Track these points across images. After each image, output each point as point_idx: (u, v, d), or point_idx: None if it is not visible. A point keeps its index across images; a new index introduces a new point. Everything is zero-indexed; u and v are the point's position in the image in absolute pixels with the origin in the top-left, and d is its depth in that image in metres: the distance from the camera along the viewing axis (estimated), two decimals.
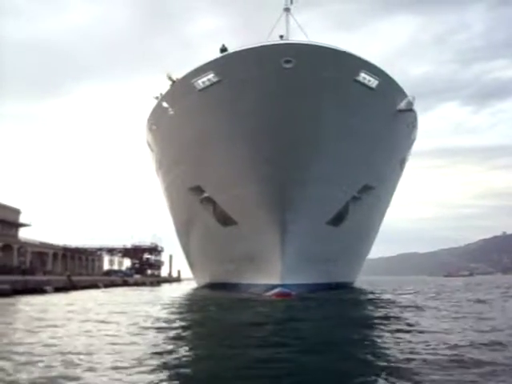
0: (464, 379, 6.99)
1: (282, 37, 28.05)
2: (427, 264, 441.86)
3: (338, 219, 31.52)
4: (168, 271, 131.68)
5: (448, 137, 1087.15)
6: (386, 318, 15.83)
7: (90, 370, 7.74)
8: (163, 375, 7.40)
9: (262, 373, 7.73)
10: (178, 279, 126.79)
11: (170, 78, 29.44)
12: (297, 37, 31.53)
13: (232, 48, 25.90)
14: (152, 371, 7.61)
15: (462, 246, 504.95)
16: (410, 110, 29.06)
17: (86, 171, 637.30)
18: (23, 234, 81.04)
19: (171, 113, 29.29)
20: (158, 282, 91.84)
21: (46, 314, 18.55)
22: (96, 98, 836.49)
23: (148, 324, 14.59)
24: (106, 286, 57.11)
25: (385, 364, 8.18)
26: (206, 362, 8.83)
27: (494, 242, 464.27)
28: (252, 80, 24.27)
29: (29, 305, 24.27)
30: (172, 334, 12.36)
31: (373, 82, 25.39)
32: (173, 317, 17.82)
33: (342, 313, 19.06)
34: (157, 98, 32.31)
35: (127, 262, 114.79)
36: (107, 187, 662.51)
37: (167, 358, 8.74)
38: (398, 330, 12.27)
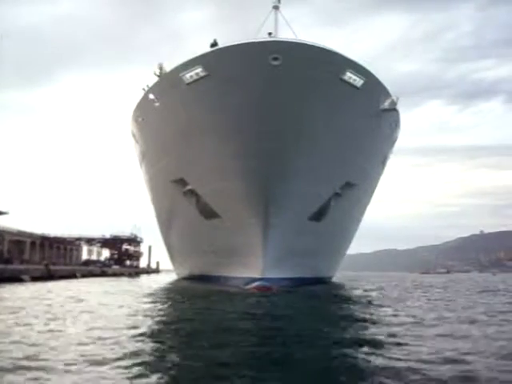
0: None
1: (270, 34, 28.25)
2: (406, 261, 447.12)
3: (319, 215, 31.93)
4: (147, 262, 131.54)
5: (432, 135, 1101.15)
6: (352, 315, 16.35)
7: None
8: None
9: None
10: (156, 270, 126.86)
11: (160, 69, 29.36)
12: (285, 34, 31.82)
13: (223, 43, 26.11)
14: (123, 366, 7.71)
15: (441, 243, 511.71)
16: (393, 109, 29.55)
17: (66, 160, 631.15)
18: (0, 222, 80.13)
19: (158, 105, 29.38)
20: (136, 273, 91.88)
21: None
22: (82, 88, 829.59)
23: (123, 315, 14.89)
24: (84, 276, 57.10)
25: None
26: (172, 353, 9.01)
27: (471, 241, 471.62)
28: (240, 76, 24.48)
29: None
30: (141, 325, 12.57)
31: (358, 81, 25.79)
32: (151, 309, 18.11)
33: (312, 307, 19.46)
34: (144, 89, 32.29)
35: (106, 253, 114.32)
36: (88, 176, 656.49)
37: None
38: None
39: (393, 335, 10.58)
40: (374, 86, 27.59)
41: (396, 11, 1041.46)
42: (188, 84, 26.02)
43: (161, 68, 29.25)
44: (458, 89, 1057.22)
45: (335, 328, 12.33)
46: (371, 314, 15.46)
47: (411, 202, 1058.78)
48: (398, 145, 39.99)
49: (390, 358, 8.17)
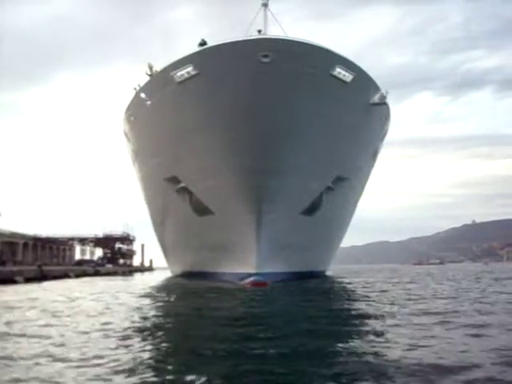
0: None
1: (260, 31, 28.49)
2: (398, 253, 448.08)
3: (312, 209, 32.24)
4: (140, 260, 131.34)
5: (424, 126, 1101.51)
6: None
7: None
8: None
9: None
10: (150, 268, 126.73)
11: (150, 69, 29.51)
12: (275, 30, 32.08)
13: (212, 41, 26.39)
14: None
15: (433, 234, 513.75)
16: (383, 103, 29.82)
17: (58, 160, 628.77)
18: None
19: (150, 104, 29.53)
20: (130, 271, 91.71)
21: None
22: (71, 87, 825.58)
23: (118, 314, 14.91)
24: (78, 275, 56.85)
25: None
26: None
27: (463, 231, 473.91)
28: (230, 73, 24.66)
29: None
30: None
31: (347, 76, 26.01)
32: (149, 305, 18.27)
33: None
34: (135, 88, 32.41)
35: (99, 252, 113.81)
36: (79, 176, 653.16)
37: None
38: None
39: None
40: (363, 81, 27.85)
41: (385, 3, 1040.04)
42: (179, 83, 26.17)
43: (151, 68, 29.37)
44: (448, 80, 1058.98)
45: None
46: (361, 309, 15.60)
47: (403, 193, 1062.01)
48: (389, 137, 40.39)
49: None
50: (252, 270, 29.16)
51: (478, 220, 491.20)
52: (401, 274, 59.40)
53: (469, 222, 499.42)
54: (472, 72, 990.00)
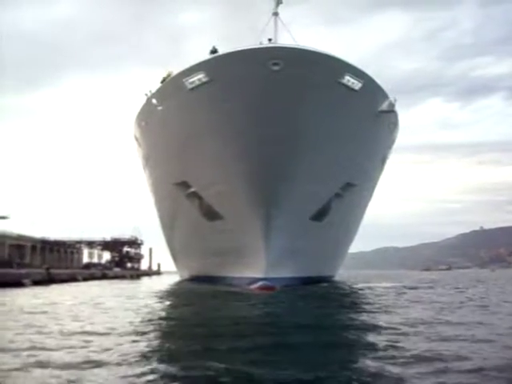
0: None
1: (270, 40, 28.75)
2: (407, 258, 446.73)
3: (320, 215, 32.42)
4: (148, 264, 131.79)
5: (433, 132, 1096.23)
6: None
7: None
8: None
9: None
10: (157, 272, 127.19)
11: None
12: (285, 38, 32.42)
13: (222, 50, 26.83)
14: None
15: (441, 240, 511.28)
16: (391, 111, 30.03)
17: (66, 163, 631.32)
18: (0, 226, 79.85)
19: (161, 110, 29.91)
20: (137, 275, 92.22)
21: None
22: (82, 90, 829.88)
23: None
24: (86, 279, 57.12)
25: None
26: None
27: (471, 237, 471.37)
28: (241, 81, 24.97)
29: None
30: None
31: (356, 84, 26.20)
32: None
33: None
34: (147, 94, 32.87)
35: (107, 255, 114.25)
36: (87, 179, 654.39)
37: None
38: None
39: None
40: (371, 89, 28.04)
41: (397, 10, 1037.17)
42: (190, 89, 26.48)
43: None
44: (459, 86, 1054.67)
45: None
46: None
47: (411, 199, 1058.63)
48: (398, 142, 40.49)
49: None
50: (260, 275, 29.33)
51: (487, 226, 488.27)
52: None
53: (477, 228, 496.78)
54: (482, 78, 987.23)
